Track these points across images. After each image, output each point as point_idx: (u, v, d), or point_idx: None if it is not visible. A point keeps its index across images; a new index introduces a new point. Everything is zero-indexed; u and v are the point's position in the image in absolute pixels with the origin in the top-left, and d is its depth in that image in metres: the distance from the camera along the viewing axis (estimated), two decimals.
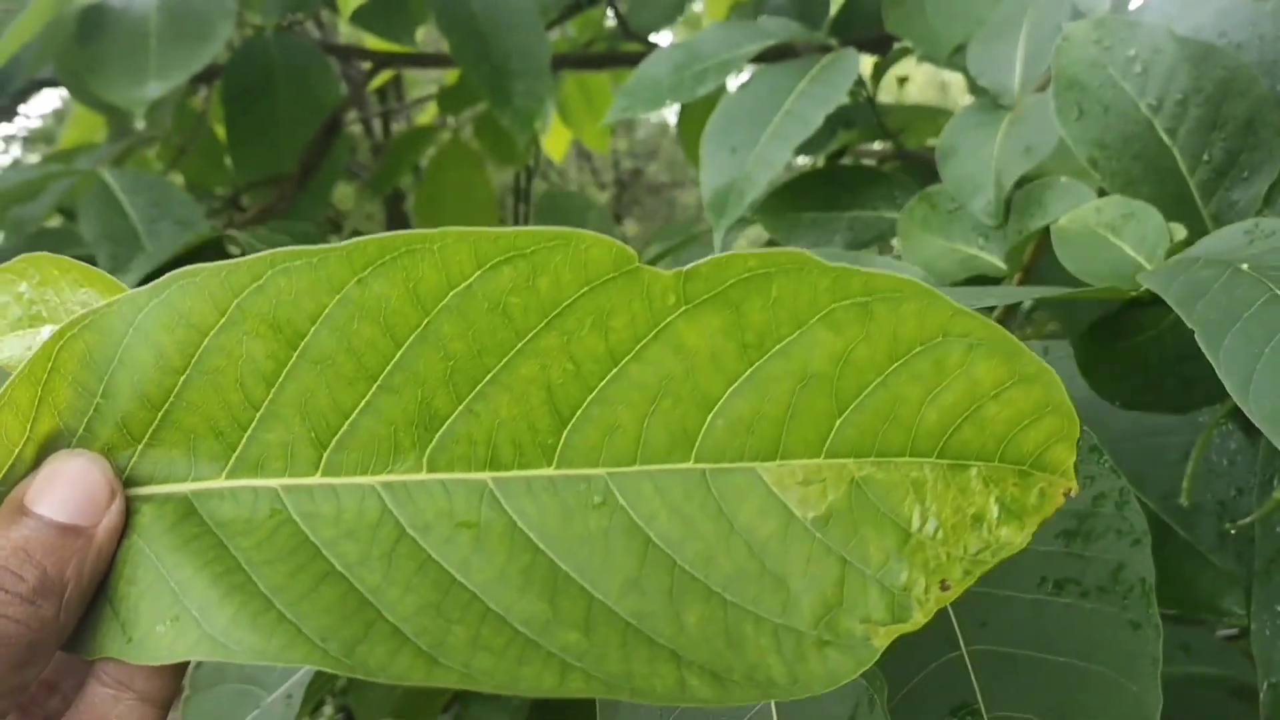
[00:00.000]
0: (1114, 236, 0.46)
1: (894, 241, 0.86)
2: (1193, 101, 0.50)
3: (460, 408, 0.24)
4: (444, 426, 0.24)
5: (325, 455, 0.24)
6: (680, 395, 0.24)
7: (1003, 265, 0.61)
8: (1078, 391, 0.47)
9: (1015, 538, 0.24)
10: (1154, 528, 0.38)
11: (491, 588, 0.23)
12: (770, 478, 0.24)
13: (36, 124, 2.53)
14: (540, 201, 1.40)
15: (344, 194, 2.12)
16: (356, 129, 1.98)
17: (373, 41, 1.41)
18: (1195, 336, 0.31)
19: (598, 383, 0.24)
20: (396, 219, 2.06)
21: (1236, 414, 0.43)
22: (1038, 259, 0.61)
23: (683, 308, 0.23)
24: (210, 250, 1.04)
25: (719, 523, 0.24)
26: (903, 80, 1.47)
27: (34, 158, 2.57)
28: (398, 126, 2.13)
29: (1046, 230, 0.58)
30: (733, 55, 0.84)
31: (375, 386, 0.24)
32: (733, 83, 0.91)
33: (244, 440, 0.25)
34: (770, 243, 1.05)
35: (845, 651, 0.23)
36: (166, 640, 0.24)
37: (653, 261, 1.03)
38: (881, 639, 0.23)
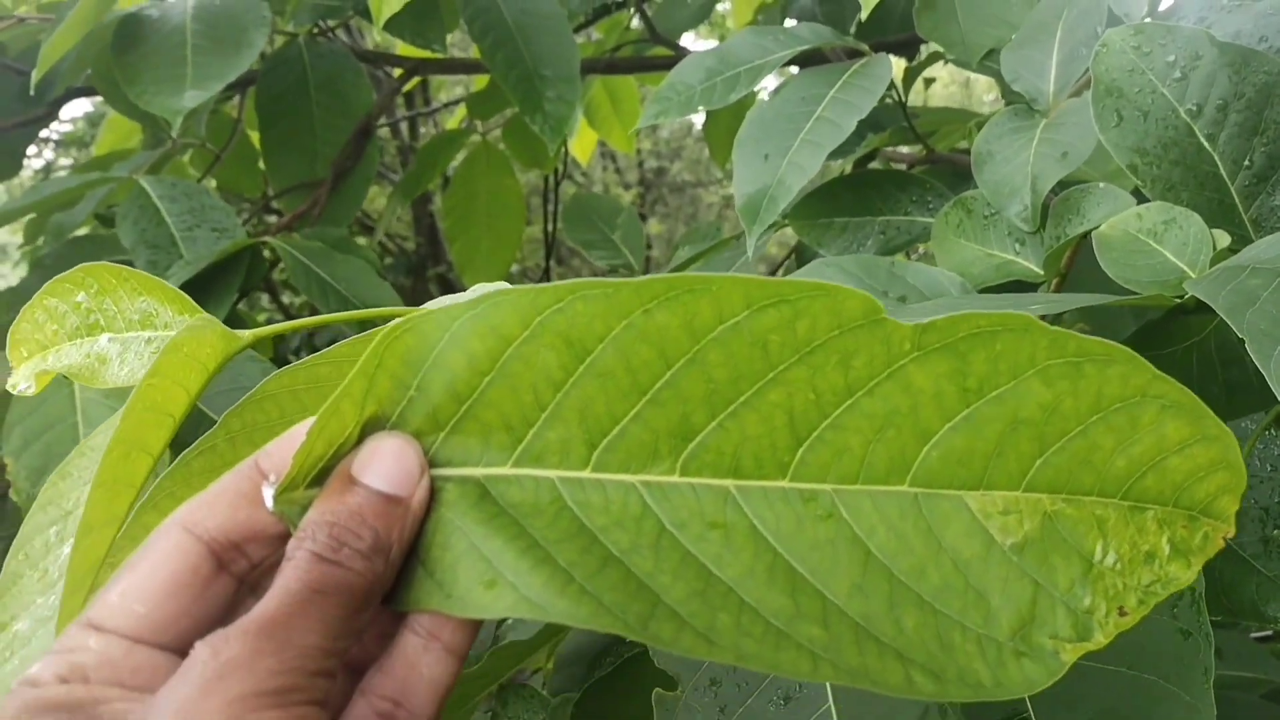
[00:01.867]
0: (1156, 243, 0.46)
1: (923, 247, 0.86)
2: (1233, 107, 0.50)
3: (714, 424, 0.28)
4: (698, 438, 0.28)
5: (595, 454, 0.28)
6: (903, 427, 0.27)
7: (1039, 271, 0.61)
8: None
9: (1182, 574, 0.27)
10: None
11: (743, 582, 0.27)
12: (975, 505, 0.27)
13: (68, 128, 2.56)
14: (569, 204, 1.41)
15: (373, 195, 2.14)
16: (384, 132, 2.00)
17: (403, 47, 1.42)
18: (1245, 346, 0.31)
19: (833, 411, 0.27)
20: (425, 221, 2.08)
21: None
22: (1074, 263, 0.61)
23: (915, 354, 0.27)
24: (246, 255, 1.05)
25: (929, 541, 0.27)
26: (929, 81, 1.47)
27: (66, 161, 2.60)
28: (425, 130, 2.15)
29: (1083, 235, 0.58)
30: (763, 61, 0.85)
31: (645, 400, 0.28)
32: (761, 86, 0.91)
33: (530, 435, 0.28)
34: (799, 246, 1.05)
35: (1038, 662, 0.27)
36: (487, 599, 0.27)
37: (683, 266, 1.03)
38: (1069, 654, 0.27)
